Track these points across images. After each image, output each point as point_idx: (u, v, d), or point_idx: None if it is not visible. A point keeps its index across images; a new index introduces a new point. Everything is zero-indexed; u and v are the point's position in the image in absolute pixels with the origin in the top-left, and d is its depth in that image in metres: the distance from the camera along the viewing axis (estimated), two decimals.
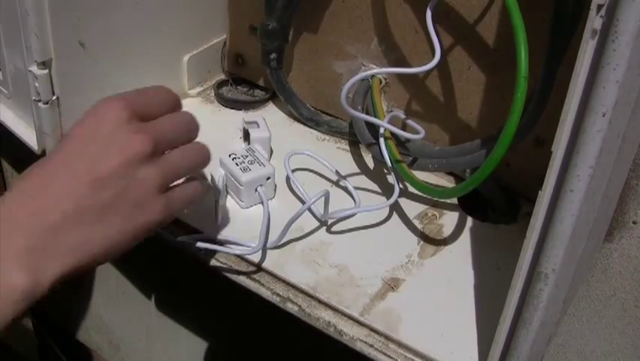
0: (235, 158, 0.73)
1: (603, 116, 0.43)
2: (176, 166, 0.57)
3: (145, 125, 0.55)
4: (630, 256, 0.78)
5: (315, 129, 0.86)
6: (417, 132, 0.70)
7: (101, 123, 0.53)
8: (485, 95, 0.73)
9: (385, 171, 0.80)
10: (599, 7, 0.42)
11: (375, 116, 0.72)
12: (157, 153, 0.55)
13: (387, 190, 0.77)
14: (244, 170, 0.72)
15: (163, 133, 0.56)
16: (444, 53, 0.70)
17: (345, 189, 0.77)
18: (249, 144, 0.78)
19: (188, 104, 0.87)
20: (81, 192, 0.51)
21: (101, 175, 0.52)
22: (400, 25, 0.75)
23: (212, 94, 0.91)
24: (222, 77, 0.93)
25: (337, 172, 0.78)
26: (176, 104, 0.60)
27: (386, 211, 0.74)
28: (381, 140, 0.71)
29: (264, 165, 0.73)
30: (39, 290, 0.49)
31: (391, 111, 0.77)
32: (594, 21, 0.42)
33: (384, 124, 0.70)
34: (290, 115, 0.88)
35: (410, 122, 0.75)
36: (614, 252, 0.78)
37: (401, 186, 0.73)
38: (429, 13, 0.65)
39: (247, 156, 0.74)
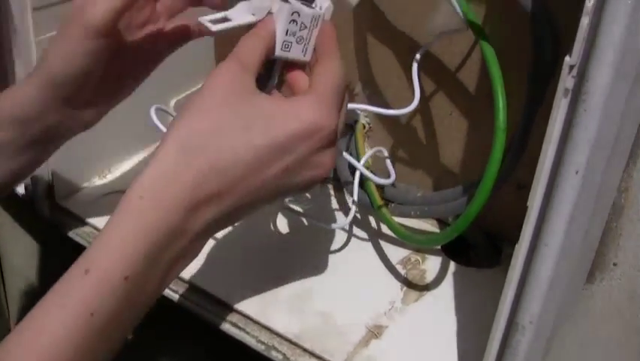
0: None
1: (576, 173, 0.44)
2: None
3: (335, 135, 0.53)
4: (612, 298, 0.79)
5: None
6: (389, 177, 0.71)
7: (308, 139, 0.51)
8: (467, 141, 0.74)
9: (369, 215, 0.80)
10: (571, 67, 0.43)
11: (358, 161, 0.73)
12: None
13: (373, 235, 0.78)
14: None
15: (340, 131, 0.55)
16: (423, 98, 0.71)
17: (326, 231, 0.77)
18: None
19: None
20: (261, 198, 0.51)
21: (286, 186, 0.52)
22: (384, 71, 0.76)
23: None
24: None
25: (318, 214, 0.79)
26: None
27: (370, 257, 0.75)
28: (358, 184, 0.72)
29: None
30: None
31: (379, 151, 0.77)
32: (566, 80, 0.43)
33: (360, 167, 0.71)
34: None
35: (388, 163, 0.75)
36: (596, 293, 0.79)
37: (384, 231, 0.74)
38: (415, 65, 0.66)
39: None
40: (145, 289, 0.47)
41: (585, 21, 0.41)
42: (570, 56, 0.43)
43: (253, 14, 0.54)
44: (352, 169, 0.74)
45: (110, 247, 0.46)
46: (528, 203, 0.47)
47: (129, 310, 0.46)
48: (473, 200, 0.59)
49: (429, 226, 0.79)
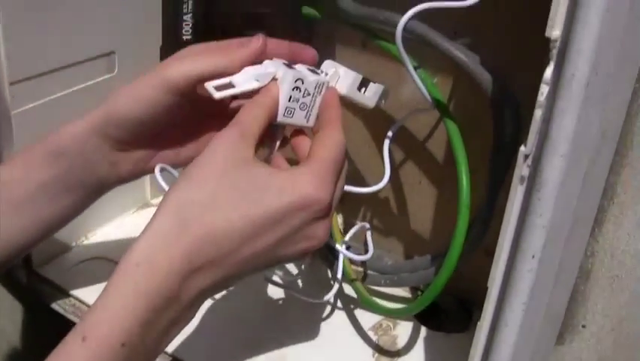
0: None
1: (532, 257, 0.46)
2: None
3: (329, 218, 0.55)
4: (582, 359, 0.80)
5: None
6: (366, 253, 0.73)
7: (302, 212, 0.52)
8: (436, 208, 0.76)
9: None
10: (526, 156, 0.45)
11: (332, 237, 0.74)
12: None
13: (347, 302, 0.80)
14: None
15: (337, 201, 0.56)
16: (393, 168, 0.73)
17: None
18: None
19: (151, 214, 0.88)
20: (253, 266, 0.52)
21: (278, 257, 0.53)
22: (354, 140, 0.78)
23: None
24: None
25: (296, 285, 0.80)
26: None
27: (343, 323, 0.76)
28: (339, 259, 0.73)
29: None
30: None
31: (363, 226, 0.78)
32: (522, 168, 0.45)
33: (341, 249, 0.72)
34: None
35: (369, 238, 0.76)
36: (566, 355, 0.81)
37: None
38: (387, 142, 0.67)
39: None
40: (141, 355, 0.48)
41: (538, 113, 0.43)
42: (525, 146, 0.45)
43: (257, 80, 0.56)
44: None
45: (108, 315, 0.47)
46: (488, 284, 0.49)
47: None
48: (440, 272, 0.60)
49: (401, 290, 0.81)
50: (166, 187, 0.67)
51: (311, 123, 0.58)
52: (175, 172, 0.61)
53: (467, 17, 0.59)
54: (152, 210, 0.89)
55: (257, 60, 0.58)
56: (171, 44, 0.69)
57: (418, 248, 0.77)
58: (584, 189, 0.54)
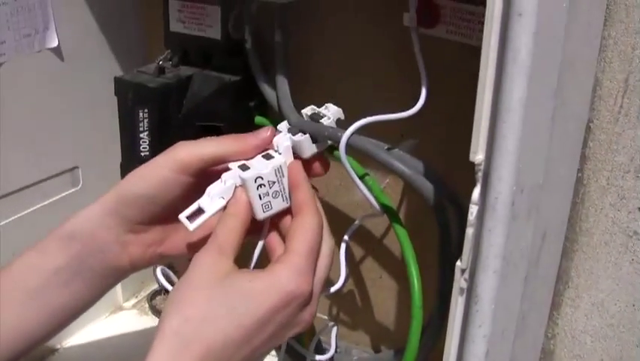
0: None
1: None
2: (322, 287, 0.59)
3: (316, 296, 0.57)
4: None
5: None
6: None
7: (287, 308, 0.55)
8: (398, 301, 0.78)
9: None
10: (462, 270, 0.47)
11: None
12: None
13: None
14: None
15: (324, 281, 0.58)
16: (354, 263, 0.75)
17: None
18: None
19: (124, 318, 0.90)
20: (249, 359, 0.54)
21: (271, 345, 0.56)
22: None
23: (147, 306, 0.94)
24: (156, 286, 0.96)
25: None
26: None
27: None
28: None
29: None
30: None
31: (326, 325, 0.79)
32: (459, 281, 0.47)
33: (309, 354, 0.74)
34: None
35: (333, 337, 0.77)
36: None
37: None
38: (343, 246, 0.69)
39: None
40: None
41: (470, 231, 0.46)
42: (461, 262, 0.47)
43: (222, 197, 0.58)
44: None
45: None
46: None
47: None
48: None
49: None
50: (169, 286, 0.70)
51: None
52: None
53: (412, 120, 0.61)
54: (126, 313, 0.91)
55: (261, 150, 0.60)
56: (130, 160, 0.71)
57: (384, 340, 0.79)
58: (529, 287, 0.56)
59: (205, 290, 0.54)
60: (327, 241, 0.59)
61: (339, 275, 0.67)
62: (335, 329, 0.76)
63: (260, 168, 0.58)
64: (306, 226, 0.57)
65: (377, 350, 0.82)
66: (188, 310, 0.53)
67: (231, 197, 0.58)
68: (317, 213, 0.58)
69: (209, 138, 0.61)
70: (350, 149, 0.59)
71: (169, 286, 0.71)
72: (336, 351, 0.78)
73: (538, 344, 0.75)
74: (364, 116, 0.59)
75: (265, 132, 0.61)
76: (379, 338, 0.81)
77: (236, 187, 0.58)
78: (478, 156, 0.44)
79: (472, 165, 0.45)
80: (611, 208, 0.70)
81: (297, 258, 0.55)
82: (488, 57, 0.42)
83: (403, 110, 0.61)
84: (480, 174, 0.44)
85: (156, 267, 0.72)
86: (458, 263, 0.47)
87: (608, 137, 0.68)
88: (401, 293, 0.78)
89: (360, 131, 0.59)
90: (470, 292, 0.47)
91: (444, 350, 0.50)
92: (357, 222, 0.70)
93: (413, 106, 0.61)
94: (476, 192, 0.45)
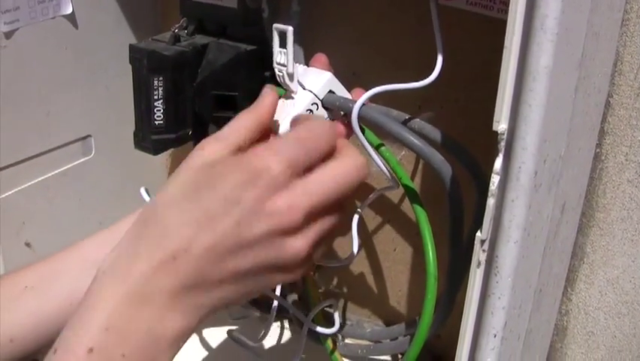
0: None
1: (494, 336, 0.47)
2: (324, 232, 0.51)
3: (298, 189, 0.49)
4: None
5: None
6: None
7: (251, 186, 0.48)
8: (412, 275, 0.78)
9: None
10: (482, 241, 0.47)
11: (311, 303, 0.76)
12: (306, 226, 0.49)
13: None
14: None
15: (317, 198, 0.49)
16: (368, 236, 0.75)
17: None
18: None
19: None
20: (221, 256, 0.47)
21: (243, 242, 0.48)
22: None
23: None
24: None
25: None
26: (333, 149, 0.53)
27: None
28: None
29: None
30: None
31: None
32: (478, 254, 0.47)
33: (308, 323, 0.73)
34: None
35: (336, 315, 0.75)
36: None
37: None
38: (356, 217, 0.68)
39: None
40: (114, 360, 0.46)
41: (491, 202, 0.45)
42: (481, 232, 0.46)
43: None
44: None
45: (73, 322, 0.47)
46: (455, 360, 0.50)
47: None
48: (412, 344, 0.62)
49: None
50: None
51: None
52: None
53: (429, 91, 0.60)
54: None
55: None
56: (144, 129, 0.70)
57: (396, 314, 0.79)
58: (547, 260, 0.56)
59: (181, 175, 0.50)
60: (345, 165, 0.51)
61: (351, 247, 0.67)
62: (335, 307, 0.75)
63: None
64: (307, 125, 0.53)
65: (389, 324, 0.82)
66: (159, 196, 0.50)
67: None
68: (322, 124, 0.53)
69: (225, 126, 0.55)
70: (363, 121, 0.58)
71: None
72: (342, 326, 0.77)
73: (552, 320, 0.75)
74: None
75: (267, 91, 0.58)
76: (392, 312, 0.81)
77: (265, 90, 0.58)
78: (501, 125, 0.44)
79: (492, 136, 0.44)
80: (628, 184, 0.70)
81: (276, 140, 0.52)
82: (515, 24, 0.42)
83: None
84: (503, 144, 0.44)
85: None
86: (478, 234, 0.47)
87: (627, 112, 0.67)
88: (415, 267, 0.77)
89: (378, 103, 0.58)
90: (490, 264, 0.46)
91: (460, 322, 0.50)
92: (372, 195, 0.69)
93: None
94: (498, 162, 0.44)
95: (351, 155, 0.52)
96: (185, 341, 0.49)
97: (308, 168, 0.50)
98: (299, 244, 0.49)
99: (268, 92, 0.57)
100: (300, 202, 0.48)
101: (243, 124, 0.54)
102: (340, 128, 0.60)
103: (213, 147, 0.51)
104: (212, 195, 0.48)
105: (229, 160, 0.50)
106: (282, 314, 0.87)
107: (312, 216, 0.49)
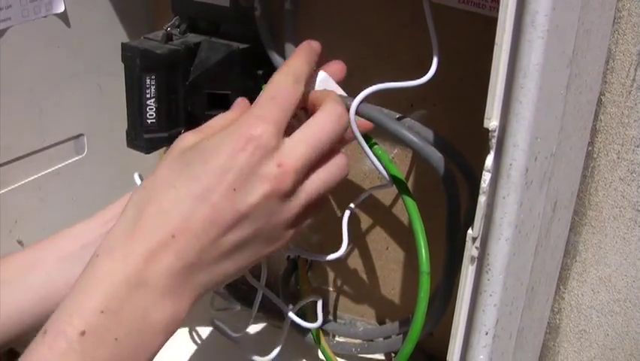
0: None
1: (486, 334, 0.47)
2: (315, 199, 0.53)
3: (286, 148, 0.50)
4: None
5: None
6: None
7: (241, 151, 0.48)
8: (404, 274, 0.78)
9: None
10: (474, 239, 0.47)
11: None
12: (298, 185, 0.51)
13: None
14: None
15: (306, 151, 0.51)
16: (360, 234, 0.75)
17: None
18: None
19: None
20: (220, 228, 0.48)
21: (241, 210, 0.48)
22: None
23: None
24: None
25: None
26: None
27: None
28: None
29: None
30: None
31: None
32: (471, 250, 0.47)
33: (290, 313, 0.71)
34: None
35: (319, 309, 0.73)
36: None
37: None
38: (347, 213, 0.68)
39: None
40: (116, 348, 0.46)
41: (482, 199, 0.45)
42: (472, 229, 0.46)
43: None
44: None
45: (65, 305, 0.46)
46: (447, 358, 0.50)
47: None
48: (405, 342, 0.62)
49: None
50: None
51: None
52: None
53: (422, 89, 0.60)
54: None
55: None
56: (136, 127, 0.70)
57: (389, 313, 0.79)
58: (539, 258, 0.56)
59: (167, 160, 0.51)
60: (325, 116, 0.53)
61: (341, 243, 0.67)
62: (320, 302, 0.73)
63: None
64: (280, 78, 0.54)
65: (382, 323, 0.82)
66: (148, 181, 0.50)
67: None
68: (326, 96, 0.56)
69: (213, 119, 0.57)
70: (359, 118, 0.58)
71: None
72: (327, 321, 0.77)
73: (544, 318, 0.75)
74: None
75: (238, 100, 0.59)
76: (384, 311, 0.81)
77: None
78: (492, 122, 0.44)
79: (483, 134, 0.44)
80: (620, 182, 0.70)
81: (257, 105, 0.52)
82: (505, 21, 0.42)
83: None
84: (494, 141, 0.44)
85: None
86: (469, 231, 0.47)
87: (619, 110, 0.67)
88: (408, 266, 0.77)
89: (370, 101, 0.58)
90: (482, 261, 0.46)
91: (453, 320, 0.50)
92: (365, 193, 0.69)
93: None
94: (489, 160, 0.44)
95: (329, 106, 0.54)
96: (177, 328, 0.49)
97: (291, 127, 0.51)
98: (292, 206, 0.51)
99: (239, 100, 0.58)
100: (290, 160, 0.50)
101: (220, 122, 0.55)
102: None
103: (193, 136, 0.52)
104: (205, 167, 0.48)
105: (216, 135, 0.50)
106: (267, 311, 0.86)
107: (302, 175, 0.51)
